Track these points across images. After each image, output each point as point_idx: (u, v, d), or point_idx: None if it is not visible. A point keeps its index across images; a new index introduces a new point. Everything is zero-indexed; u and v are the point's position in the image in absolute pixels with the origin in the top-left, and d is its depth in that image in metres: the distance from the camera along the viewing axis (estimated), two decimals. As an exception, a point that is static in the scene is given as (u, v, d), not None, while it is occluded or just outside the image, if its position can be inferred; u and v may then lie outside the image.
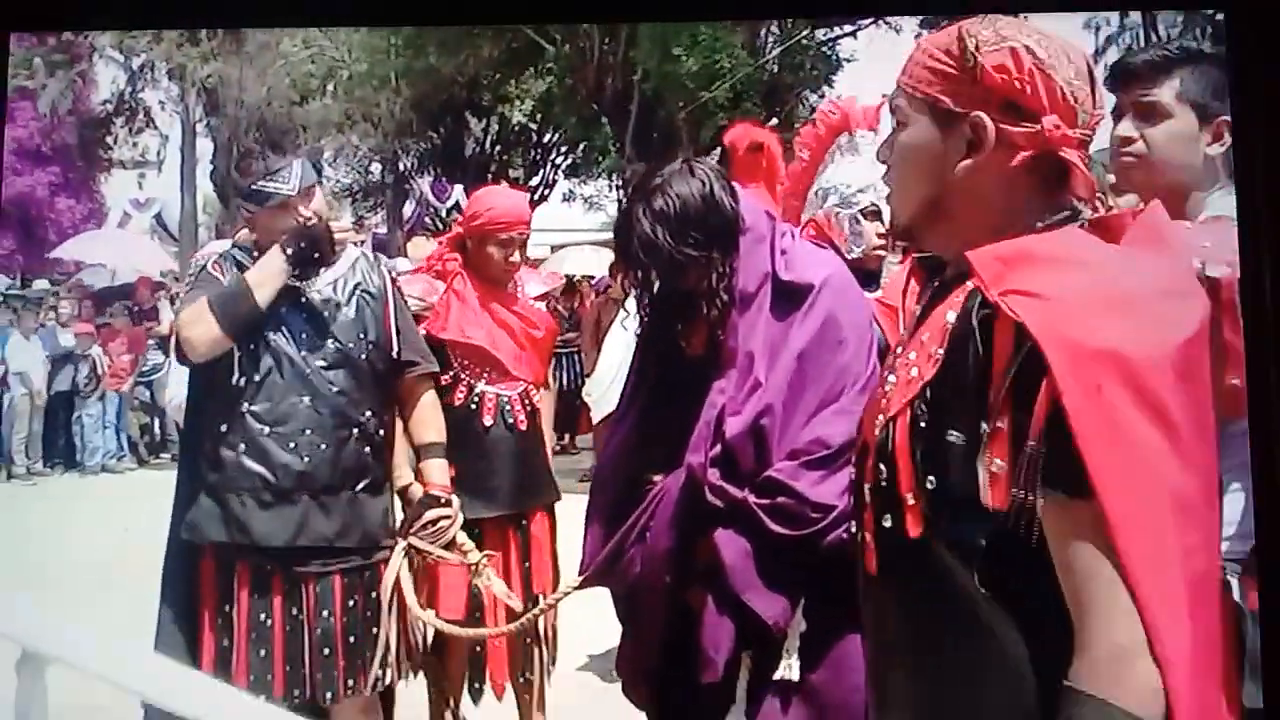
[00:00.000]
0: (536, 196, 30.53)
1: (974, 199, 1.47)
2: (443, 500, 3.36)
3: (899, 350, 1.54)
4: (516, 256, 3.94)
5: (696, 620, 2.59)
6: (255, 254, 3.28)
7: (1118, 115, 2.24)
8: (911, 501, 1.39)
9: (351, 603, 3.19)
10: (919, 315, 1.54)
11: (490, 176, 29.42)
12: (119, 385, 12.46)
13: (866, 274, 3.31)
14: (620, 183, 22.37)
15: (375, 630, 3.18)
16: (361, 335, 3.26)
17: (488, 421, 3.85)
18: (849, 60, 23.52)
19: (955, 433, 1.35)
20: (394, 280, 3.44)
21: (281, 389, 3.15)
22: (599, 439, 4.01)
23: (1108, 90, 2.26)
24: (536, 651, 3.98)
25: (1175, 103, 2.16)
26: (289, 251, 3.15)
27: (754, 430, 2.54)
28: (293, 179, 3.24)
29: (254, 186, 3.26)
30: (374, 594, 3.21)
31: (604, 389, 4.60)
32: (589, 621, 3.81)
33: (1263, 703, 1.47)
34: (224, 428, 3.15)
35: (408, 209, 24.09)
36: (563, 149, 28.56)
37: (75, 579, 6.40)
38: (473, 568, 3.32)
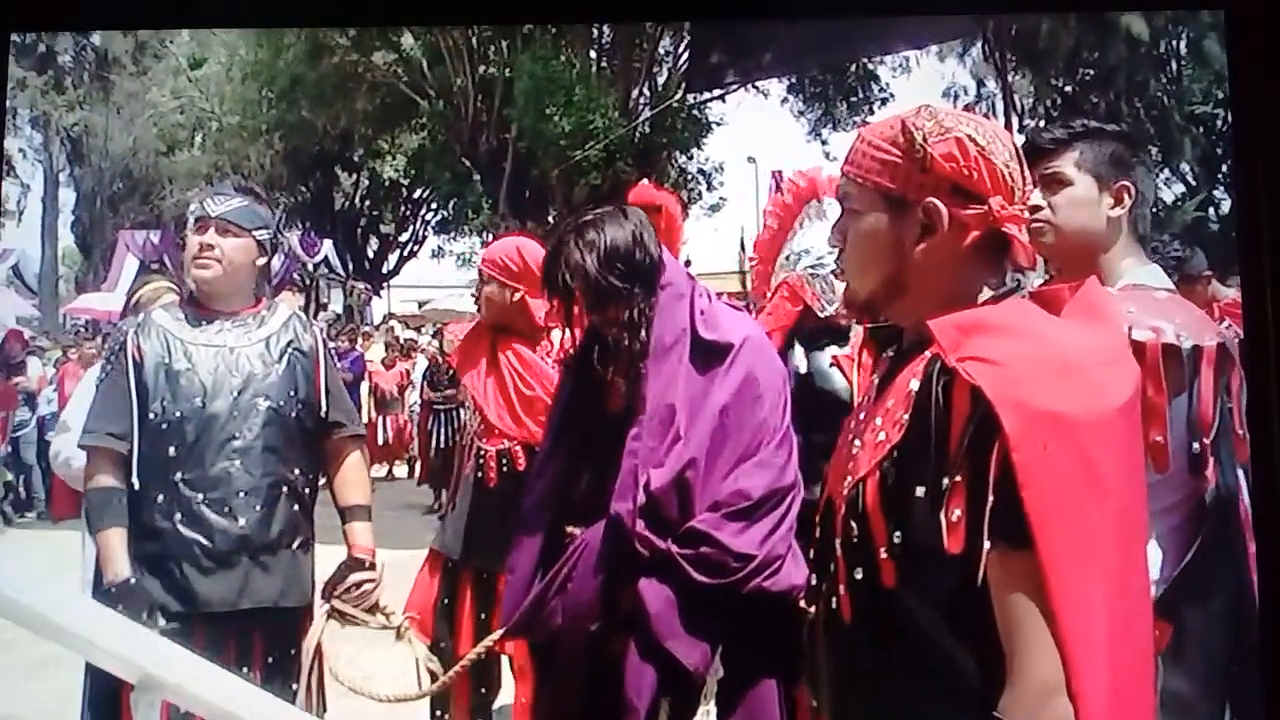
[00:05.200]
0: (405, 252, 30.46)
1: (929, 275, 1.59)
2: (366, 564, 3.30)
3: (862, 416, 1.66)
4: (515, 296, 3.87)
5: (618, 667, 2.64)
6: (181, 315, 3.23)
7: None
8: (885, 556, 1.51)
9: (270, 659, 3.16)
10: (879, 384, 1.66)
11: (359, 231, 29.29)
12: (-2, 444, 11.93)
13: (836, 331, 3.43)
14: (492, 239, 22.41)
15: (294, 687, 3.14)
16: (292, 393, 3.23)
17: (467, 470, 3.90)
18: (718, 123, 24.12)
19: (920, 488, 1.47)
20: (324, 340, 3.42)
21: (212, 454, 3.10)
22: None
23: None
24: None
25: (1075, 171, 2.34)
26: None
27: (678, 483, 2.61)
28: (220, 207, 3.19)
29: (193, 205, 3.26)
30: (293, 650, 3.19)
31: None
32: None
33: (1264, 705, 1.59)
34: (159, 498, 3.08)
35: (275, 263, 23.73)
36: (433, 205, 28.52)
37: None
38: (397, 630, 3.30)
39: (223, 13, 2.01)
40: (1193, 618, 2.08)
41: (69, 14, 1.95)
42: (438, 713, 3.97)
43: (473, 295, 4.03)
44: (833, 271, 3.43)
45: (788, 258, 3.49)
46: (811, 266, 3.46)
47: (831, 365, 3.41)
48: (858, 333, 3.41)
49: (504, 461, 3.86)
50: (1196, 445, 2.09)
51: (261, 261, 3.30)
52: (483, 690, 4.01)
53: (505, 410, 3.88)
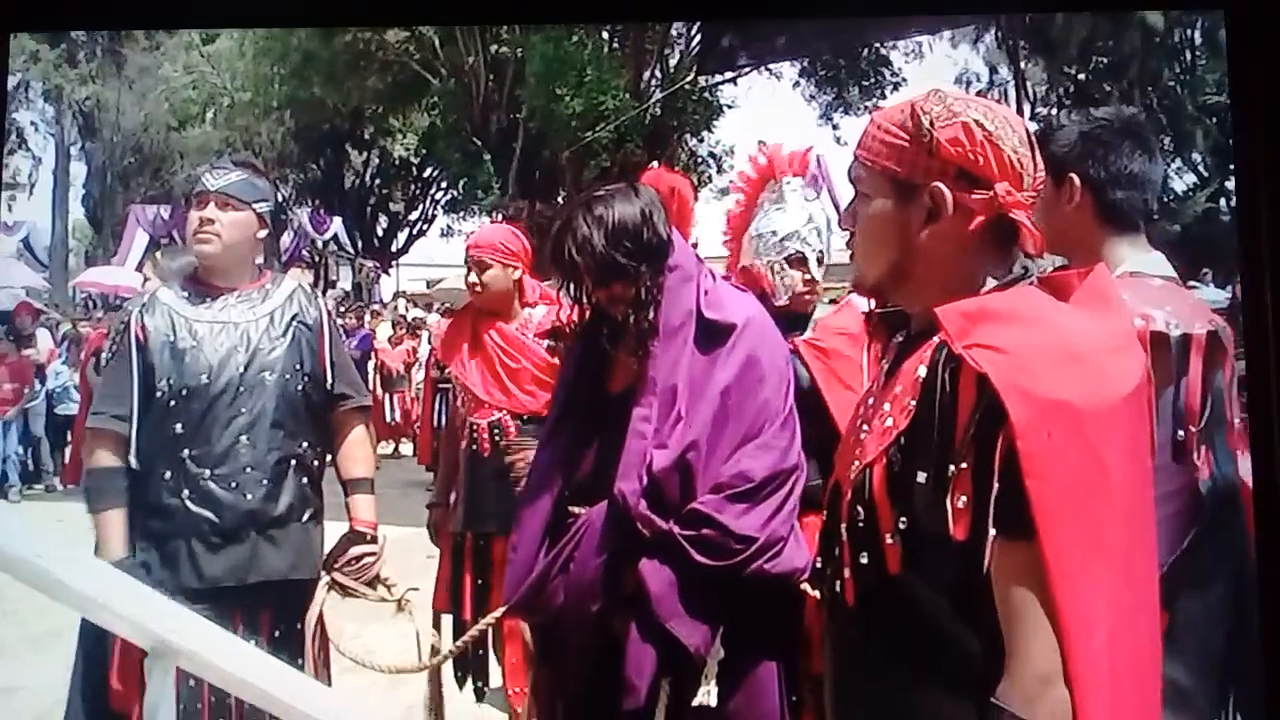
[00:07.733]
0: (415, 231, 30.47)
1: (935, 260, 1.60)
2: (368, 537, 3.31)
3: (870, 402, 1.67)
4: (474, 277, 4.06)
5: (620, 648, 2.64)
6: (186, 292, 3.24)
7: None
8: (890, 541, 1.52)
9: (277, 633, 3.18)
10: (888, 370, 1.67)
11: (369, 209, 29.29)
12: (2, 414, 11.78)
13: (795, 318, 3.32)
14: (502, 219, 22.37)
15: (300, 661, 3.15)
16: (297, 367, 3.23)
17: (463, 444, 4.03)
18: (729, 106, 24.04)
19: (924, 474, 1.47)
20: (329, 313, 3.42)
21: (218, 430, 3.11)
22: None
23: None
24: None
25: None
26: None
27: (680, 464, 2.62)
28: (218, 181, 3.20)
29: (200, 178, 3.30)
30: (300, 625, 3.21)
31: None
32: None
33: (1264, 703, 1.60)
34: (167, 475, 3.09)
35: (285, 240, 23.80)
36: (443, 184, 28.50)
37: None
38: (398, 603, 3.30)
39: (225, 12, 2.00)
40: (1189, 607, 2.08)
41: (69, 14, 1.94)
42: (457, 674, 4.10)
43: (468, 282, 4.10)
44: (787, 259, 3.36)
45: (757, 237, 3.43)
46: (765, 252, 3.37)
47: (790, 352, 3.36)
48: (816, 321, 3.38)
49: (495, 432, 3.99)
50: (1182, 433, 2.09)
51: (262, 234, 3.31)
52: (480, 651, 4.10)
53: (494, 384, 4.02)
